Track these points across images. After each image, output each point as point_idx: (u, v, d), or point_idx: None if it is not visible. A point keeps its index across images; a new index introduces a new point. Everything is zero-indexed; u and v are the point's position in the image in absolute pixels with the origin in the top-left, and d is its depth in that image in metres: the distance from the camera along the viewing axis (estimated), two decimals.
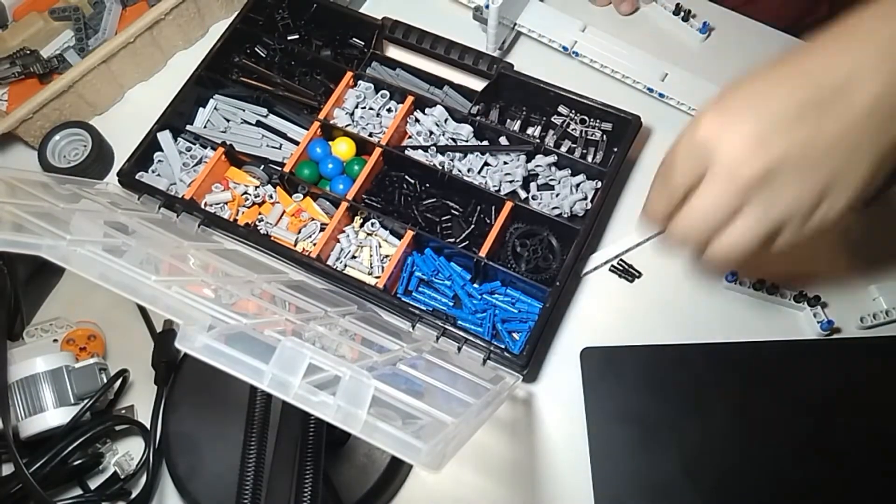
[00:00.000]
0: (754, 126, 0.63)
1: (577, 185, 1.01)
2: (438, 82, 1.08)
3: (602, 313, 0.99)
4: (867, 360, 0.93)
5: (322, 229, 1.00)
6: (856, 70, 0.62)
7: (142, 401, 0.95)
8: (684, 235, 0.70)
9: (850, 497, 0.88)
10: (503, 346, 0.88)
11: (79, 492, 0.90)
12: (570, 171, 1.01)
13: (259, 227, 1.01)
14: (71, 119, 1.10)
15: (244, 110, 1.10)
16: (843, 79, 0.62)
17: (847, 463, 0.88)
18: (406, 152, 1.03)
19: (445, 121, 1.05)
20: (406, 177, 1.03)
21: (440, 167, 1.01)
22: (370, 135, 1.05)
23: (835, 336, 0.94)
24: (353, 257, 0.99)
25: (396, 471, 0.88)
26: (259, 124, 1.09)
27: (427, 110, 1.05)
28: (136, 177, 1.02)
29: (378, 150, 1.01)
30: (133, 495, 0.89)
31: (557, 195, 0.99)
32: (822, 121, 0.63)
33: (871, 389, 0.92)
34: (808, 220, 0.67)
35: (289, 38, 1.13)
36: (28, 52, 1.12)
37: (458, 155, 1.03)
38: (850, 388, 0.92)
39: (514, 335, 0.95)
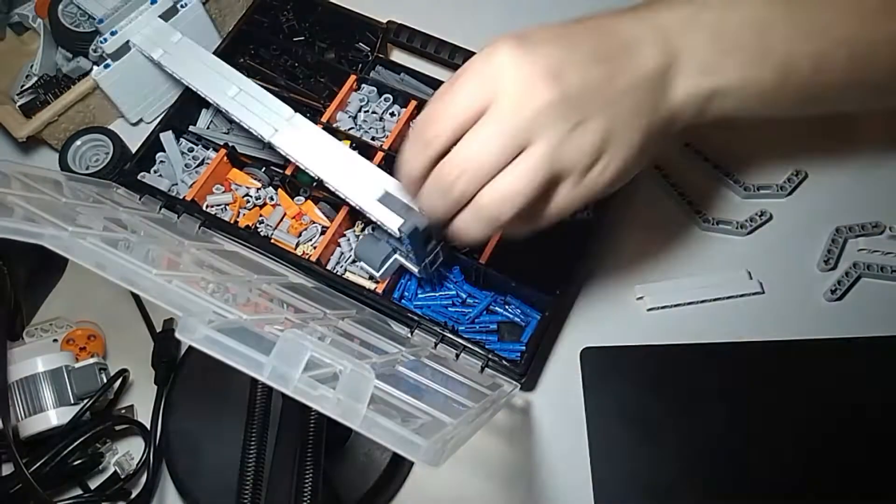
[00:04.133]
0: (551, 59, 0.62)
1: None
2: None
3: (603, 313, 0.99)
4: (867, 360, 0.93)
5: (323, 233, 1.00)
6: (641, 38, 0.65)
7: (142, 401, 0.95)
8: (445, 189, 0.66)
9: (850, 496, 0.87)
10: (501, 355, 0.88)
11: (79, 492, 0.90)
12: None
13: (259, 230, 1.01)
14: (96, 121, 1.11)
15: None
16: (631, 40, 0.65)
17: (847, 462, 0.88)
18: None
19: None
20: None
21: None
22: (372, 139, 1.05)
23: (835, 336, 0.94)
24: (354, 262, 0.99)
25: (396, 471, 0.88)
26: None
27: None
28: (138, 177, 1.03)
29: (380, 155, 1.01)
30: (133, 495, 0.89)
31: None
32: (614, 70, 0.64)
33: (871, 389, 0.91)
34: (584, 176, 0.65)
35: (294, 39, 1.14)
36: (48, 77, 1.12)
37: None
38: (851, 388, 0.92)
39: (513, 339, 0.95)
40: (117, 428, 0.93)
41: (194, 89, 0.99)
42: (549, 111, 0.62)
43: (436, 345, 0.90)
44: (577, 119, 0.62)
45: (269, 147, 0.95)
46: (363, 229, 0.99)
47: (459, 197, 0.65)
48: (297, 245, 1.00)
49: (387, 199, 0.84)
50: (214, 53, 1.07)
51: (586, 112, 0.63)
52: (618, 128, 0.64)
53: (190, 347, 0.93)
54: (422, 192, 0.69)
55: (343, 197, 0.88)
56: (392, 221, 0.82)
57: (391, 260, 0.91)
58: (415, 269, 0.90)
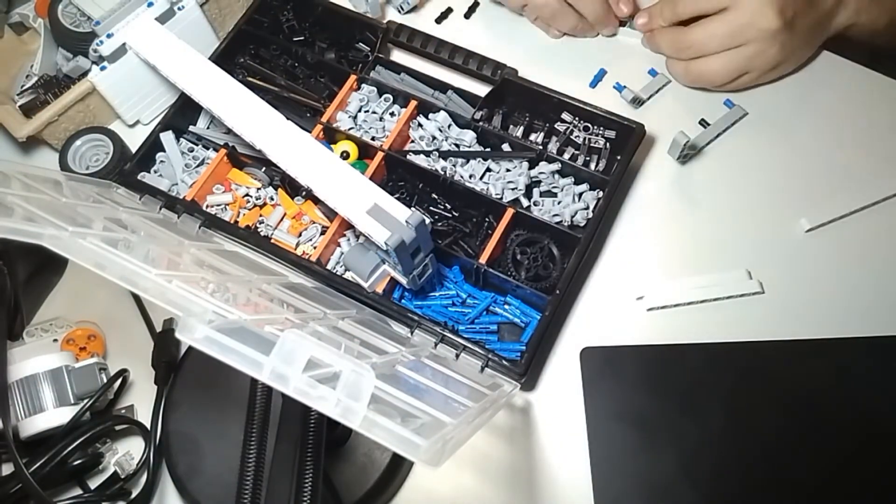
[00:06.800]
0: None
1: (580, 195, 1.00)
2: (442, 87, 1.08)
3: (603, 313, 0.99)
4: (867, 360, 0.93)
5: (323, 233, 1.00)
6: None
7: (142, 401, 0.95)
8: (675, 47, 1.08)
9: (850, 496, 0.88)
10: (501, 355, 0.88)
11: (79, 492, 0.90)
12: (573, 180, 1.01)
13: (259, 230, 1.01)
14: (97, 121, 1.11)
15: None
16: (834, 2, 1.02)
17: (847, 463, 0.88)
18: (408, 157, 1.03)
19: (449, 126, 1.05)
20: (407, 182, 1.03)
21: (442, 173, 1.01)
22: (372, 139, 1.06)
23: (835, 336, 0.94)
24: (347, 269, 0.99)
25: (396, 471, 0.88)
26: None
27: (430, 115, 1.05)
28: (139, 177, 1.03)
29: (380, 155, 1.01)
30: (133, 495, 0.89)
31: (559, 202, 0.99)
32: (814, 15, 1.02)
33: (870, 389, 0.91)
34: (762, 74, 1.06)
35: (294, 39, 1.14)
36: (48, 77, 1.12)
37: (460, 161, 1.03)
38: (850, 388, 0.92)
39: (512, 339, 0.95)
40: (117, 428, 0.93)
41: (188, 94, 0.99)
42: (768, 33, 0.99)
43: (436, 345, 0.90)
44: (781, 40, 1.00)
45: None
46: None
47: (681, 55, 1.08)
48: (297, 245, 1.00)
49: (375, 212, 0.84)
50: (214, 53, 1.08)
51: (788, 36, 1.00)
52: (797, 54, 1.07)
53: (190, 347, 0.93)
54: (656, 36, 1.11)
55: (332, 207, 0.88)
56: (379, 234, 0.83)
57: (380, 271, 0.91)
58: (403, 281, 0.90)
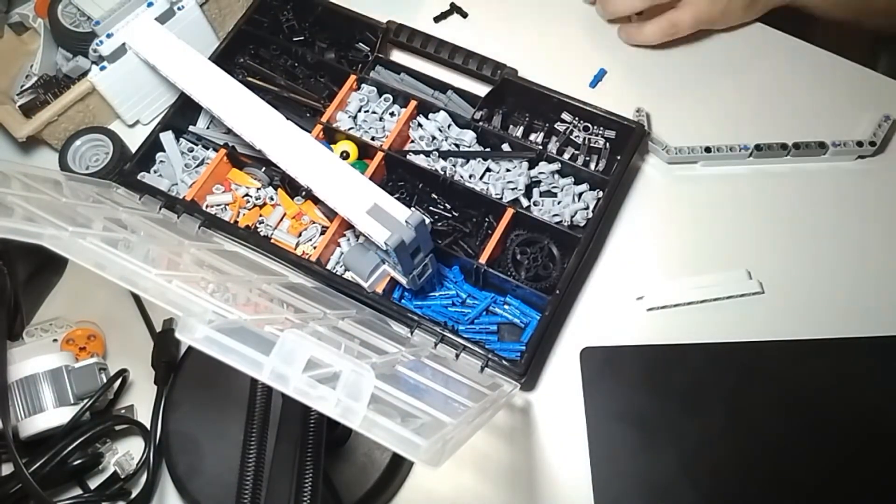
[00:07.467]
0: None
1: (580, 195, 1.00)
2: (442, 87, 1.08)
3: (603, 313, 0.98)
4: (867, 360, 0.93)
5: (322, 233, 1.00)
6: None
7: (142, 401, 0.95)
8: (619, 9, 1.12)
9: (850, 496, 0.87)
10: (501, 355, 0.88)
11: (79, 492, 0.90)
12: (573, 180, 1.01)
13: (259, 230, 1.01)
14: (96, 121, 1.11)
15: None
16: None
17: (847, 463, 0.88)
18: (408, 157, 1.03)
19: (448, 126, 1.05)
20: (407, 182, 1.03)
21: (442, 173, 1.01)
22: (372, 139, 1.05)
23: (834, 336, 0.94)
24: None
25: (396, 471, 0.88)
26: None
27: (430, 115, 1.05)
28: (138, 177, 1.02)
29: (380, 155, 1.01)
30: (133, 495, 0.89)
31: (559, 202, 0.99)
32: None
33: (870, 389, 0.91)
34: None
35: (294, 39, 1.13)
36: (48, 77, 1.12)
37: (460, 161, 1.03)
38: (850, 388, 0.92)
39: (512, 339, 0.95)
40: (117, 428, 0.93)
41: (188, 94, 0.99)
42: None
43: (436, 345, 0.90)
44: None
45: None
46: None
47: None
48: (297, 245, 1.00)
49: (375, 212, 0.84)
50: (214, 53, 1.08)
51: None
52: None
53: (190, 347, 0.93)
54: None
55: (332, 207, 0.88)
56: (379, 234, 0.83)
57: (379, 271, 0.91)
58: (403, 280, 0.90)
